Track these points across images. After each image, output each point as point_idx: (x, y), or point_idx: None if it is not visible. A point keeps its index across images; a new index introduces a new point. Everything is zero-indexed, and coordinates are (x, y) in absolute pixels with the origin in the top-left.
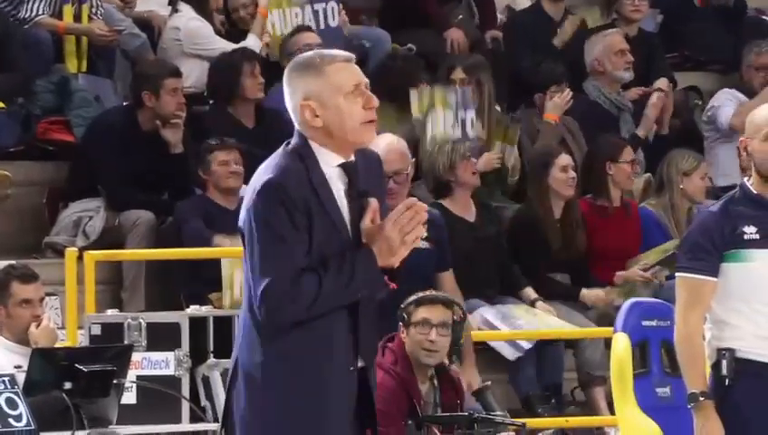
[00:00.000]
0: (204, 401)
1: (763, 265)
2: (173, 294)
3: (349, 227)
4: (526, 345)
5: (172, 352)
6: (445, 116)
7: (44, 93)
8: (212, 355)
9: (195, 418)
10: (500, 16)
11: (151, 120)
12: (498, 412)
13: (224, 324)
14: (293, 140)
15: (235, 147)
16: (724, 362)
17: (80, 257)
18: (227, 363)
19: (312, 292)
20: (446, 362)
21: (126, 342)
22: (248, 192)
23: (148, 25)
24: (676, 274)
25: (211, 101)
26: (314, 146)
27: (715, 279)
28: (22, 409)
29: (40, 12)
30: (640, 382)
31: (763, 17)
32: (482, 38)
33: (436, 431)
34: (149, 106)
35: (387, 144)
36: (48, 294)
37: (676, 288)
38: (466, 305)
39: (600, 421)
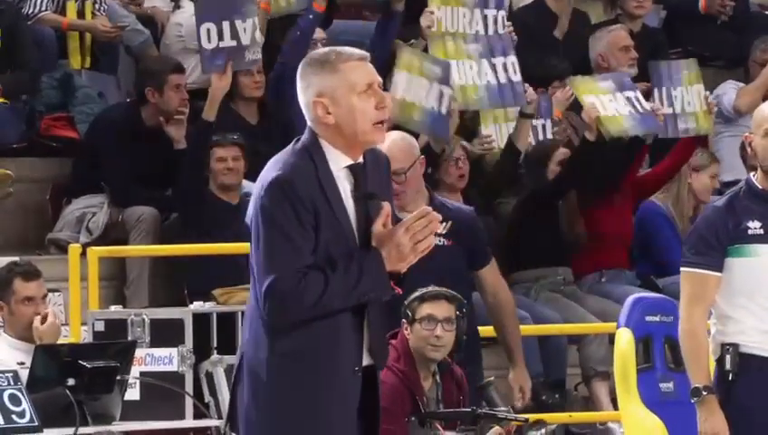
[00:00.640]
0: (207, 398)
1: (767, 260)
2: (176, 290)
3: (354, 229)
4: None
5: (176, 349)
6: (470, 66)
7: (48, 90)
8: (215, 351)
9: (198, 414)
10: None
11: (155, 117)
12: (501, 408)
13: (227, 321)
14: (303, 138)
15: (237, 143)
16: (728, 357)
17: (83, 254)
18: (231, 360)
19: (318, 291)
20: (449, 358)
21: (129, 338)
22: (256, 188)
23: (152, 21)
24: (681, 268)
25: None
26: (324, 145)
27: (719, 274)
28: (25, 405)
29: (43, 8)
30: (644, 378)
31: (767, 13)
32: None
33: (439, 427)
34: (153, 102)
35: (390, 141)
36: (51, 291)
37: (680, 283)
38: None
39: (604, 417)
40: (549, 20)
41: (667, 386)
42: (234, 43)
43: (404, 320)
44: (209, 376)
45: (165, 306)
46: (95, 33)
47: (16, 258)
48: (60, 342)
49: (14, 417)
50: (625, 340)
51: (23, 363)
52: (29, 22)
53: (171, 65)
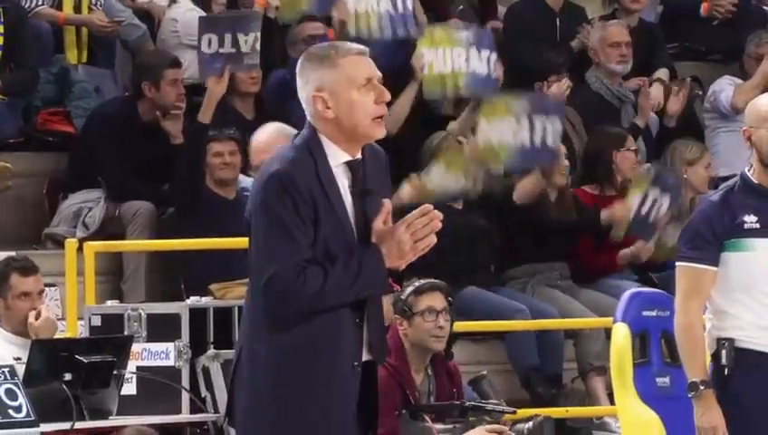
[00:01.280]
0: (204, 392)
1: (763, 254)
2: (173, 285)
3: (352, 224)
4: None
5: (172, 343)
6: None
7: (45, 84)
8: (212, 346)
9: (195, 409)
10: (500, 7)
11: (151, 111)
12: (492, 400)
13: (224, 315)
14: (303, 133)
15: (234, 138)
16: (724, 352)
17: (80, 248)
18: (228, 354)
19: (317, 284)
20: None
21: (126, 333)
22: (255, 182)
23: (148, 16)
24: (677, 263)
25: None
26: (323, 140)
27: (715, 268)
28: (21, 400)
29: (40, 2)
30: (640, 372)
31: (764, 8)
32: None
33: (428, 420)
34: (149, 97)
35: (266, 133)
36: (48, 286)
37: (676, 277)
38: (463, 294)
39: (600, 411)
40: (546, 14)
41: (664, 381)
42: (233, 51)
43: (398, 315)
44: (206, 371)
45: (162, 301)
46: (92, 28)
47: (13, 253)
48: (56, 337)
49: (10, 412)
50: (621, 334)
51: (19, 358)
52: (29, 15)
53: (168, 60)
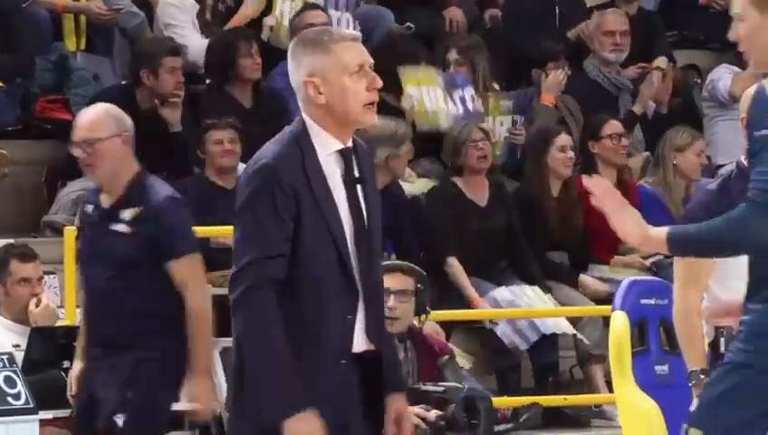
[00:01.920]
0: None
1: None
2: None
3: (343, 214)
4: (533, 337)
5: None
6: (436, 93)
7: (43, 72)
8: None
9: None
10: None
11: (150, 99)
12: (450, 383)
13: (223, 304)
14: (293, 125)
15: (232, 126)
16: (722, 341)
17: (78, 236)
18: (226, 342)
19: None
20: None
21: None
22: (242, 175)
23: (147, 4)
24: None
25: (208, 81)
26: (314, 130)
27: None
28: (20, 387)
29: None
30: (639, 360)
31: None
32: (481, 17)
33: None
34: (148, 85)
35: (92, 111)
36: (47, 273)
37: (674, 266)
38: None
39: (599, 399)
40: (545, 2)
41: (662, 369)
42: None
43: None
44: None
45: None
46: (90, 16)
47: (11, 241)
48: (55, 324)
49: (9, 399)
50: (620, 323)
51: (18, 346)
52: (24, 4)
53: (166, 48)
